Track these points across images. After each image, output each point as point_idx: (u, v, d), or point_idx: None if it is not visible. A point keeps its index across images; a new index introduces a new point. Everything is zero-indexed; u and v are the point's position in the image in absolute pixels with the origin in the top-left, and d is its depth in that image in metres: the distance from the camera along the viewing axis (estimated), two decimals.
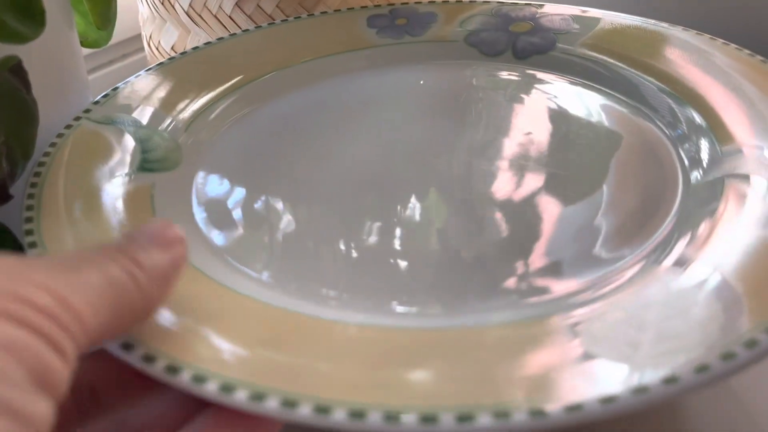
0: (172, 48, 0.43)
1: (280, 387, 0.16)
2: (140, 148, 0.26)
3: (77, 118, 0.27)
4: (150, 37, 0.45)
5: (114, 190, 0.24)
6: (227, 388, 0.16)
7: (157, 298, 0.16)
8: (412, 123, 0.31)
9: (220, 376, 0.16)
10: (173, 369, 0.16)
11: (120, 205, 0.24)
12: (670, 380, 0.15)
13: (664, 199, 0.24)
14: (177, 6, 0.41)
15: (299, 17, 0.36)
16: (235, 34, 0.35)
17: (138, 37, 0.53)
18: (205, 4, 0.39)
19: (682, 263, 0.20)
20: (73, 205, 0.23)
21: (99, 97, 0.29)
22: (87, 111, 0.28)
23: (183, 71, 0.32)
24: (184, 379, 0.16)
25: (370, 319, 0.19)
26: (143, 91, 0.30)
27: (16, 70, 0.21)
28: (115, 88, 0.30)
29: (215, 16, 0.39)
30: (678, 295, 0.18)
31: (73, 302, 0.14)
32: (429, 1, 0.37)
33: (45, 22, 0.20)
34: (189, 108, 0.30)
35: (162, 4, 0.42)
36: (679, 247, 0.21)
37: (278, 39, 0.34)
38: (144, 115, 0.29)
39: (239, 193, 0.27)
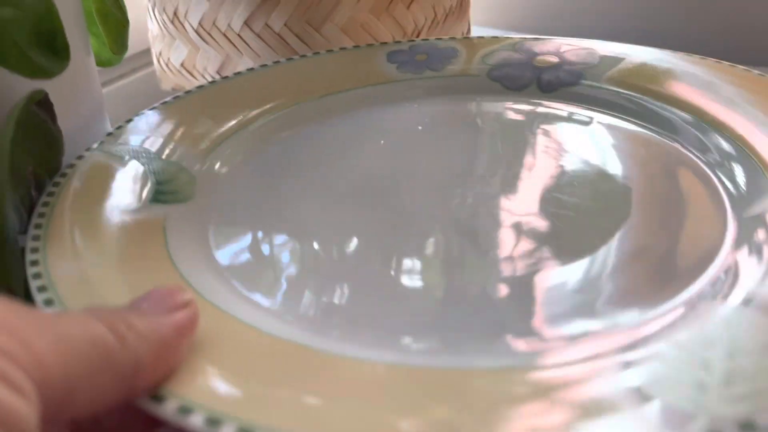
0: (181, 65, 0.44)
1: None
2: (154, 180, 0.26)
3: (89, 149, 0.27)
4: (160, 53, 0.46)
5: (125, 221, 0.24)
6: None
7: (149, 360, 0.16)
8: (430, 156, 0.30)
9: (235, 418, 0.15)
10: (185, 410, 0.16)
11: (130, 237, 0.23)
12: (746, 426, 0.14)
13: (711, 231, 0.23)
14: (186, 24, 0.42)
15: (318, 53, 0.36)
16: (253, 69, 0.35)
17: (147, 52, 0.54)
18: (214, 22, 0.40)
19: (747, 301, 0.19)
20: (80, 238, 0.22)
21: (113, 128, 0.29)
22: (100, 142, 0.28)
23: (198, 104, 0.32)
24: (198, 421, 0.15)
25: (375, 355, 0.18)
26: (157, 123, 0.30)
27: (43, 102, 0.22)
28: (129, 120, 0.30)
29: (224, 34, 0.40)
30: (744, 333, 0.17)
31: (35, 346, 0.13)
32: (449, 38, 0.37)
33: (69, 57, 0.21)
34: (204, 140, 0.30)
35: (171, 22, 0.43)
36: (739, 283, 0.20)
37: (297, 73, 0.34)
38: (158, 146, 0.29)
39: (252, 226, 0.26)
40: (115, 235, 0.23)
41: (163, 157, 0.28)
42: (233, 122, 0.31)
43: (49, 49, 0.21)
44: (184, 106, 0.32)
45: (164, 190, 0.26)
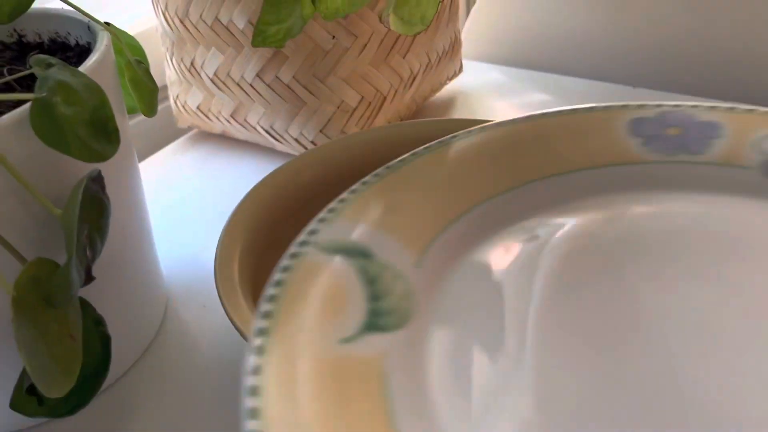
0: (197, 107, 0.49)
1: None
2: (368, 294, 0.21)
3: (303, 243, 0.22)
4: (177, 96, 0.50)
5: (339, 356, 0.18)
6: None
7: None
8: (691, 282, 0.22)
9: None
10: None
11: (344, 380, 0.18)
12: None
13: None
14: (203, 74, 0.46)
15: (545, 113, 0.28)
16: (470, 131, 0.28)
17: (164, 88, 0.58)
18: (228, 73, 0.44)
19: None
20: (300, 374, 0.18)
21: (325, 212, 0.24)
22: (313, 232, 0.23)
23: (417, 181, 0.26)
24: None
25: None
26: (370, 207, 0.24)
27: (97, 177, 0.26)
28: (342, 200, 0.25)
29: (237, 84, 0.44)
30: None
31: None
32: (710, 106, 0.28)
33: (119, 140, 0.25)
34: (422, 234, 0.23)
35: (188, 71, 0.47)
36: None
37: (518, 144, 0.27)
38: (371, 241, 0.22)
39: (496, 360, 0.20)
40: (328, 372, 0.18)
41: (379, 257, 0.22)
42: (452, 208, 0.25)
43: (103, 133, 0.25)
44: (399, 184, 0.26)
45: (381, 309, 0.20)
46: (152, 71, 0.37)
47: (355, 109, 0.43)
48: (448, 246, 0.23)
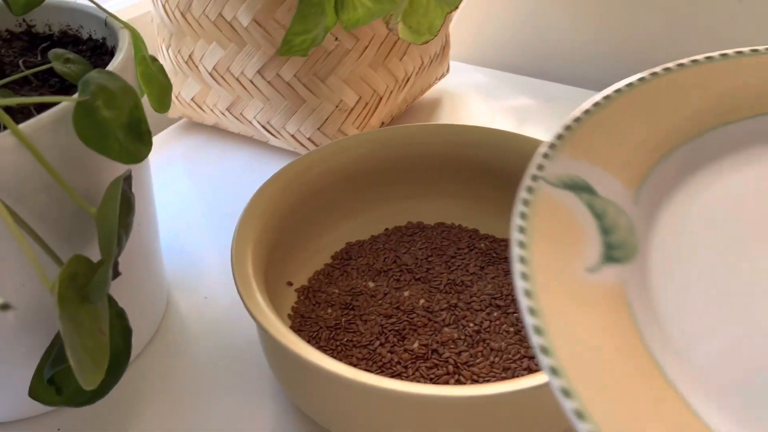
0: (192, 99, 0.49)
1: None
2: (600, 227, 0.21)
3: (534, 178, 0.22)
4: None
5: (591, 289, 0.19)
6: None
7: None
8: None
9: None
10: None
11: (601, 319, 0.18)
12: None
13: None
14: (201, 67, 0.46)
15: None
16: (683, 64, 0.27)
17: None
18: (228, 68, 0.45)
19: None
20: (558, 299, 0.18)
21: (546, 147, 0.24)
22: (540, 167, 0.23)
23: (629, 113, 0.25)
24: None
25: None
26: (593, 139, 0.24)
27: (128, 177, 0.26)
28: (568, 127, 0.25)
29: (237, 79, 0.45)
30: None
31: None
32: None
33: (152, 142, 0.26)
34: (637, 169, 0.23)
35: (186, 63, 0.47)
36: None
37: (730, 78, 0.26)
38: (593, 175, 0.23)
39: (726, 289, 0.20)
40: (582, 299, 0.19)
41: (601, 191, 0.22)
42: (661, 143, 0.24)
43: (137, 135, 0.26)
44: (630, 106, 0.25)
45: (613, 242, 0.21)
46: None
47: (352, 109, 0.44)
48: (662, 180, 0.23)
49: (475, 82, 0.60)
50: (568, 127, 0.25)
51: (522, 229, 0.21)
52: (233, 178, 0.48)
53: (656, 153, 0.24)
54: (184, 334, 0.37)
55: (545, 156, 0.24)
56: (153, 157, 0.51)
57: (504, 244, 0.40)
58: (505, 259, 0.39)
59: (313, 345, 0.34)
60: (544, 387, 0.25)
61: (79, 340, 0.25)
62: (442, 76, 0.56)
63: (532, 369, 0.32)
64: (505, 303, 0.36)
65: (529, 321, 0.18)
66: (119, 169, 0.27)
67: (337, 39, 0.42)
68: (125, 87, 0.25)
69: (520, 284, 0.19)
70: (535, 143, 0.39)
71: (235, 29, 0.43)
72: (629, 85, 0.26)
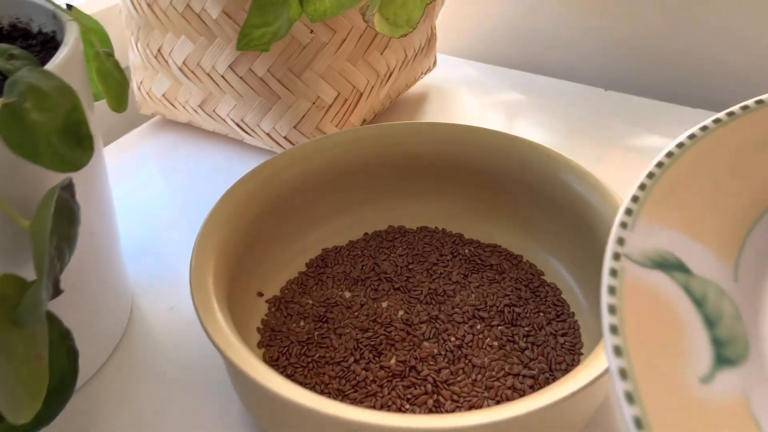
0: (163, 95, 0.46)
1: None
2: (702, 318, 0.18)
3: (617, 257, 0.19)
4: (141, 82, 0.47)
5: (704, 404, 0.16)
6: None
7: None
8: None
9: None
10: None
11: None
12: None
13: None
14: (170, 61, 0.44)
15: None
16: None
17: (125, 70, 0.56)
18: (198, 62, 0.42)
19: None
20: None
21: (628, 204, 0.20)
22: (621, 242, 0.19)
23: (735, 150, 0.21)
24: None
25: None
26: (674, 199, 0.20)
27: (67, 186, 0.24)
28: (643, 186, 0.20)
29: (208, 74, 0.42)
30: None
31: None
32: None
33: (93, 147, 0.23)
34: (730, 236, 0.20)
35: (155, 57, 0.44)
36: None
37: None
38: (682, 246, 0.19)
39: None
40: (700, 419, 0.16)
41: (696, 269, 0.19)
42: (754, 203, 0.20)
43: (75, 140, 0.23)
44: (684, 172, 0.21)
45: (721, 337, 0.17)
46: (115, 54, 0.35)
47: (330, 106, 0.42)
48: (759, 248, 0.20)
49: (463, 76, 0.58)
50: (642, 187, 0.21)
51: (614, 329, 0.17)
52: (207, 177, 0.46)
53: (753, 213, 0.20)
54: (149, 349, 0.34)
55: (623, 226, 0.20)
56: (124, 156, 0.49)
57: (489, 249, 0.38)
58: (490, 267, 0.36)
59: (282, 361, 0.32)
60: (531, 415, 0.23)
61: (10, 369, 0.22)
62: (429, 70, 0.53)
63: (516, 387, 0.30)
64: (489, 315, 0.33)
65: None
66: (60, 177, 0.25)
67: (312, 32, 0.39)
68: (61, 86, 0.23)
69: (627, 411, 0.16)
70: (524, 143, 0.36)
71: (204, 21, 0.40)
72: (705, 128, 0.22)
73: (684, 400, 0.16)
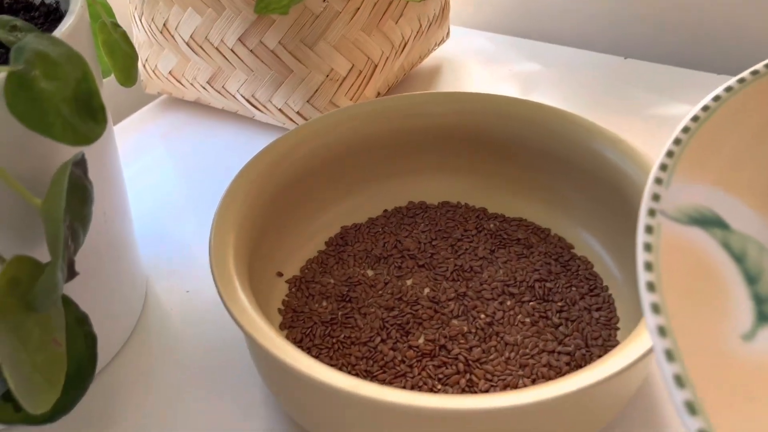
0: (170, 73, 0.45)
1: None
2: (743, 274, 0.17)
3: (652, 213, 0.18)
4: (146, 59, 0.46)
5: (746, 362, 0.16)
6: None
7: None
8: None
9: None
10: None
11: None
12: None
13: None
14: (177, 36, 0.42)
15: None
16: None
17: None
18: (206, 36, 0.41)
19: None
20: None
21: (662, 160, 0.19)
22: (656, 198, 0.19)
23: (749, 118, 0.20)
24: None
25: None
26: (711, 152, 0.20)
27: (80, 161, 0.23)
28: (678, 141, 0.20)
29: (216, 48, 0.41)
30: None
31: None
32: None
33: (106, 119, 0.22)
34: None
35: (161, 32, 0.43)
36: None
37: None
38: (720, 202, 0.19)
39: None
40: (742, 377, 0.16)
41: (730, 226, 0.18)
42: None
43: (87, 111, 0.22)
44: (722, 124, 0.20)
45: (761, 294, 0.17)
46: None
47: (345, 78, 0.40)
48: None
49: (476, 48, 0.56)
50: (677, 141, 0.20)
51: (651, 287, 0.17)
52: (218, 157, 0.44)
53: None
54: (165, 333, 0.33)
55: (658, 181, 0.19)
56: (132, 136, 0.48)
57: (515, 223, 0.36)
58: (517, 241, 0.35)
59: (306, 343, 0.31)
60: (574, 395, 0.22)
61: (26, 357, 0.21)
62: (442, 41, 0.52)
63: (552, 365, 0.29)
64: (519, 290, 0.32)
65: (691, 424, 0.14)
66: (72, 151, 0.23)
67: (325, 0, 0.37)
68: (70, 54, 0.21)
69: (667, 370, 0.15)
70: (550, 111, 0.35)
71: None
72: (743, 80, 0.21)
73: (725, 356, 0.16)
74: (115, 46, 0.30)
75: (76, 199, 0.23)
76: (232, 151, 0.45)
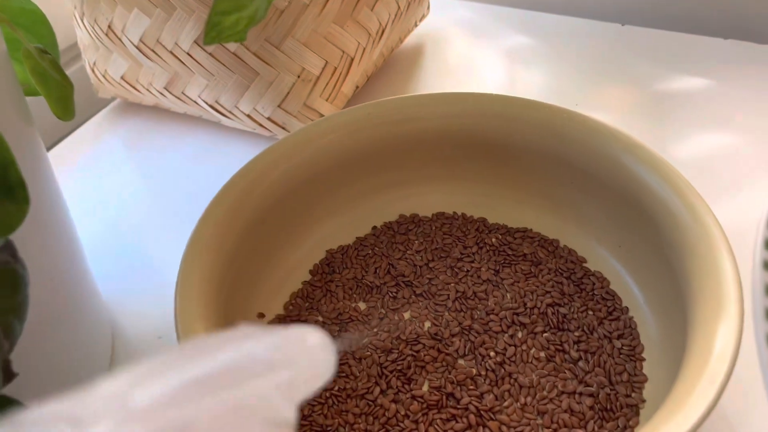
0: (122, 77, 0.40)
1: None
2: None
3: None
4: (94, 63, 0.41)
5: None
6: None
7: None
8: None
9: None
10: None
11: None
12: None
13: None
14: (125, 39, 0.37)
15: None
16: None
17: (73, 47, 0.49)
18: (158, 39, 0.36)
19: None
20: None
21: None
22: None
23: None
24: None
25: None
26: None
27: (4, 246, 0.18)
28: None
29: (171, 52, 0.36)
30: None
31: None
32: None
33: (27, 197, 0.18)
34: None
35: (106, 35, 0.38)
36: None
37: None
38: None
39: None
40: None
41: None
42: None
43: (1, 189, 0.17)
44: None
45: None
46: (60, 28, 0.28)
47: (318, 77, 0.36)
48: None
49: (460, 20, 0.51)
50: None
51: None
52: (183, 169, 0.40)
53: None
54: None
55: None
56: (87, 147, 0.43)
57: (519, 235, 0.32)
58: (524, 257, 0.31)
59: None
60: None
61: None
62: (423, 17, 0.47)
63: (574, 410, 0.26)
64: (531, 319, 0.29)
65: None
66: None
67: None
68: None
69: None
70: (546, 109, 0.31)
71: None
72: None
73: None
74: (45, 75, 0.26)
75: (4, 289, 0.19)
76: (198, 161, 0.40)
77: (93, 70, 0.41)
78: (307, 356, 0.14)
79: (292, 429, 0.13)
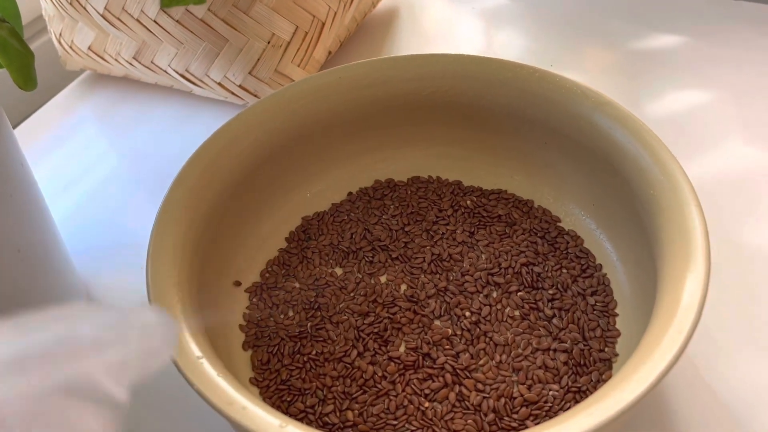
0: (89, 48, 0.39)
1: None
2: None
3: None
4: (60, 34, 0.40)
5: None
6: None
7: None
8: None
9: None
10: None
11: None
12: None
13: None
14: (89, 8, 0.36)
15: None
16: None
17: (39, 19, 0.48)
18: (123, 7, 0.35)
19: None
20: None
21: None
22: None
23: None
24: None
25: None
26: None
27: None
28: None
29: (137, 20, 0.35)
30: None
31: None
32: None
33: None
34: None
35: (71, 4, 0.37)
36: None
37: None
38: None
39: None
40: None
41: None
42: None
43: None
44: None
45: None
46: (24, 1, 0.28)
47: (289, 43, 0.35)
48: None
49: None
50: None
51: None
52: (155, 139, 0.39)
53: None
54: None
55: None
56: (56, 120, 0.42)
57: (494, 196, 0.33)
58: (498, 218, 0.32)
59: (275, 364, 0.27)
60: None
61: None
62: None
63: (548, 366, 0.26)
64: (505, 279, 0.29)
65: None
66: None
67: None
68: None
69: None
70: (519, 68, 0.30)
71: None
72: None
73: None
74: (5, 44, 0.25)
75: None
76: (171, 132, 0.40)
77: (60, 42, 0.40)
78: (143, 335, 0.14)
79: (120, 410, 0.12)
